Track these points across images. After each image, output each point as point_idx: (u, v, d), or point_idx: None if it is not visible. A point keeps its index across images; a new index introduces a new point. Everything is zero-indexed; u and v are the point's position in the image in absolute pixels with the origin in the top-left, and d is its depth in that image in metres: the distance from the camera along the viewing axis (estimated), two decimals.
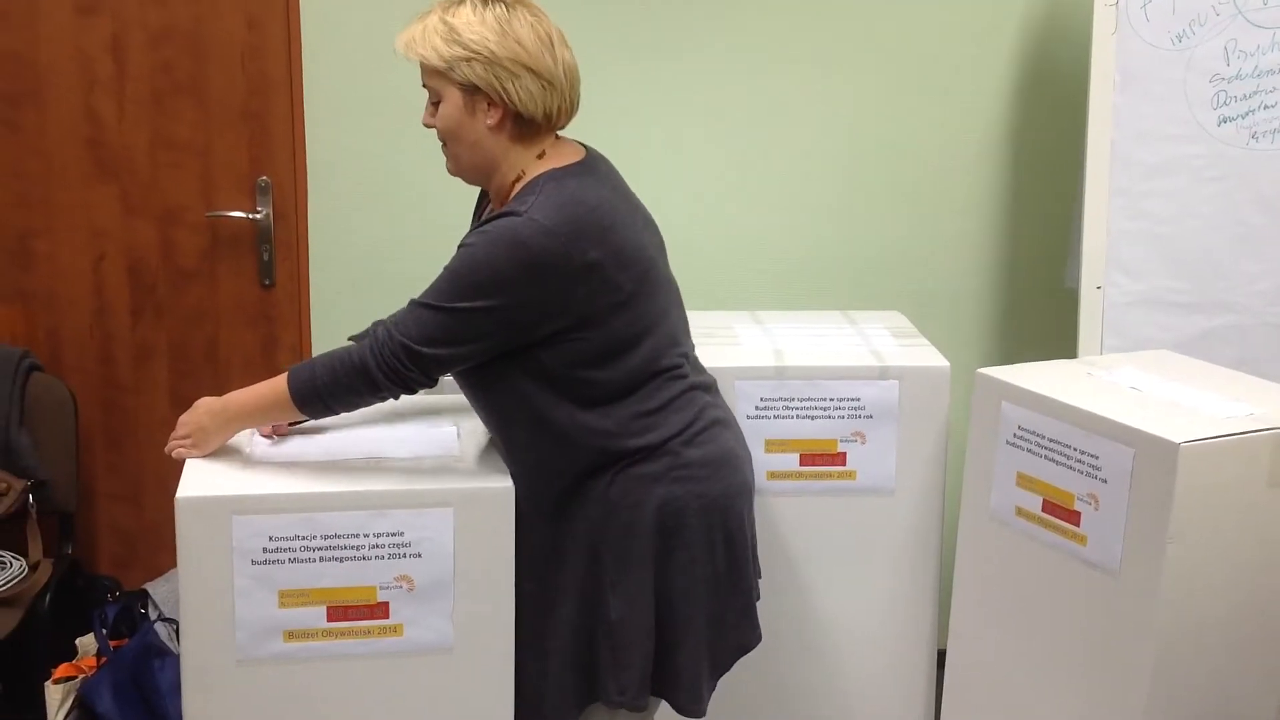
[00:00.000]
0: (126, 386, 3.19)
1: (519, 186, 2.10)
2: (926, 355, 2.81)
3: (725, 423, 2.24)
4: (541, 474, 2.14)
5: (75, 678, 2.87)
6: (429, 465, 2.14)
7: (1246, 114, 3.11)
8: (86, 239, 3.10)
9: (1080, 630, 2.48)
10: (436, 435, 2.25)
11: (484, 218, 2.12)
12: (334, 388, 2.07)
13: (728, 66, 3.21)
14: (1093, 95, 3.02)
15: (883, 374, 2.74)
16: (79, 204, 3.08)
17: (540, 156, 2.11)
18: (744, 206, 3.25)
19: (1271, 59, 3.09)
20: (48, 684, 2.85)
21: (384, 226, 3.15)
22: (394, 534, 2.04)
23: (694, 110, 3.22)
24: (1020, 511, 2.58)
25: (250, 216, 3.14)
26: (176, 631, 2.86)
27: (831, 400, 2.74)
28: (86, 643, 2.97)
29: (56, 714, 2.83)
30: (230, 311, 3.19)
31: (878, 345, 2.84)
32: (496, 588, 2.10)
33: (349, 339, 2.14)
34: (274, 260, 3.16)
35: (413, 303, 2.05)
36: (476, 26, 2.02)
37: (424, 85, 2.12)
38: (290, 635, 2.06)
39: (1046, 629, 2.55)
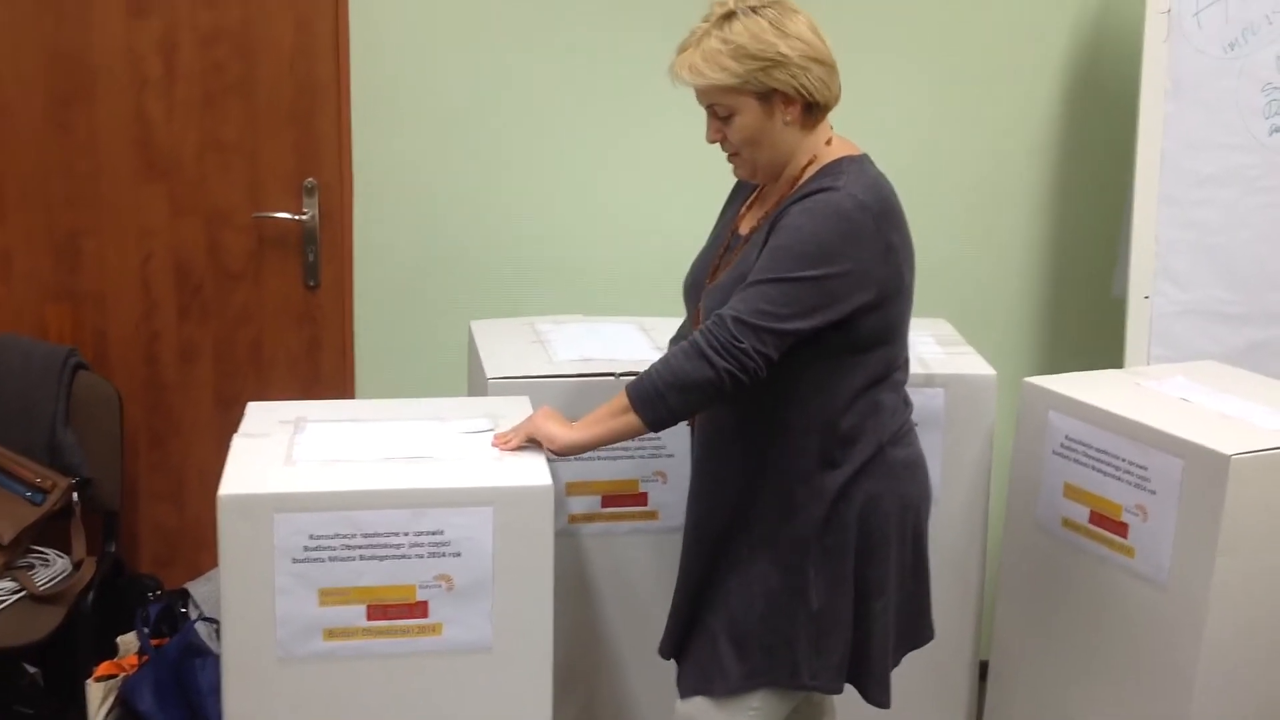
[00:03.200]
0: (171, 386, 3.21)
1: (812, 169, 2.17)
2: (972, 363, 2.79)
3: (915, 429, 2.33)
4: (768, 471, 2.20)
5: (116, 676, 2.88)
6: (470, 463, 2.13)
7: None
8: (134, 239, 3.12)
9: (1127, 644, 2.45)
10: (479, 435, 2.24)
11: (788, 199, 2.15)
12: (670, 379, 2.08)
13: None
14: (1143, 103, 2.99)
15: (928, 382, 2.71)
16: (128, 204, 3.10)
17: (829, 143, 2.20)
18: None
19: None
20: (89, 682, 2.86)
21: (429, 229, 3.16)
22: (433, 533, 2.03)
23: None
24: (1066, 522, 2.55)
25: (296, 218, 3.15)
26: (217, 631, 2.87)
27: None
28: (128, 641, 2.98)
29: (98, 712, 2.84)
30: (275, 312, 3.20)
31: (923, 353, 2.82)
32: (536, 587, 2.09)
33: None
34: (319, 262, 3.17)
35: (743, 288, 2.08)
36: (759, 35, 2.09)
37: (708, 106, 2.16)
38: (330, 634, 2.05)
39: (1092, 642, 2.52)
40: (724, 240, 2.31)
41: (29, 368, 3.02)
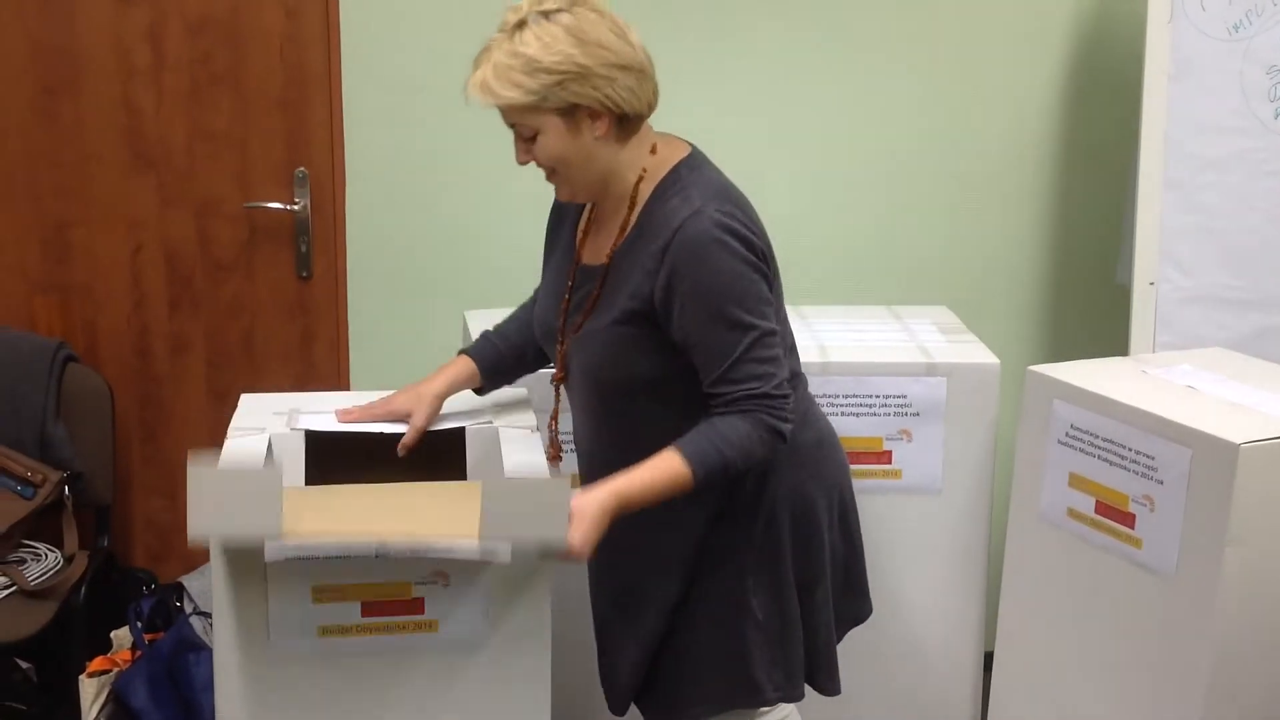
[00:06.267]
0: (163, 378, 3.18)
1: (645, 186, 2.04)
2: (975, 352, 2.75)
3: (816, 405, 2.27)
4: None
5: (110, 671, 2.86)
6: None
7: None
8: (124, 230, 3.09)
9: (1134, 635, 2.42)
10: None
11: (635, 227, 2.03)
12: (746, 462, 1.99)
13: (773, 59, 3.16)
14: (1147, 86, 2.95)
15: (930, 371, 2.68)
16: (116, 195, 3.07)
17: (653, 151, 2.05)
18: (788, 200, 3.20)
19: None
20: (82, 677, 2.84)
21: (422, 218, 3.12)
22: None
23: (738, 104, 3.17)
24: (1072, 513, 2.52)
25: (288, 208, 3.11)
26: (212, 626, 2.84)
27: (877, 397, 2.69)
28: (121, 636, 2.95)
29: (90, 708, 2.82)
30: (267, 303, 3.16)
31: (925, 341, 2.79)
32: (532, 583, 2.05)
33: None
34: (311, 252, 3.13)
35: (732, 364, 1.96)
36: (552, 45, 1.90)
37: (510, 125, 2.00)
38: (324, 630, 2.02)
39: (1098, 633, 2.49)
40: (568, 272, 2.15)
41: (18, 361, 2.99)
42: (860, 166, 3.24)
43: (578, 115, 1.94)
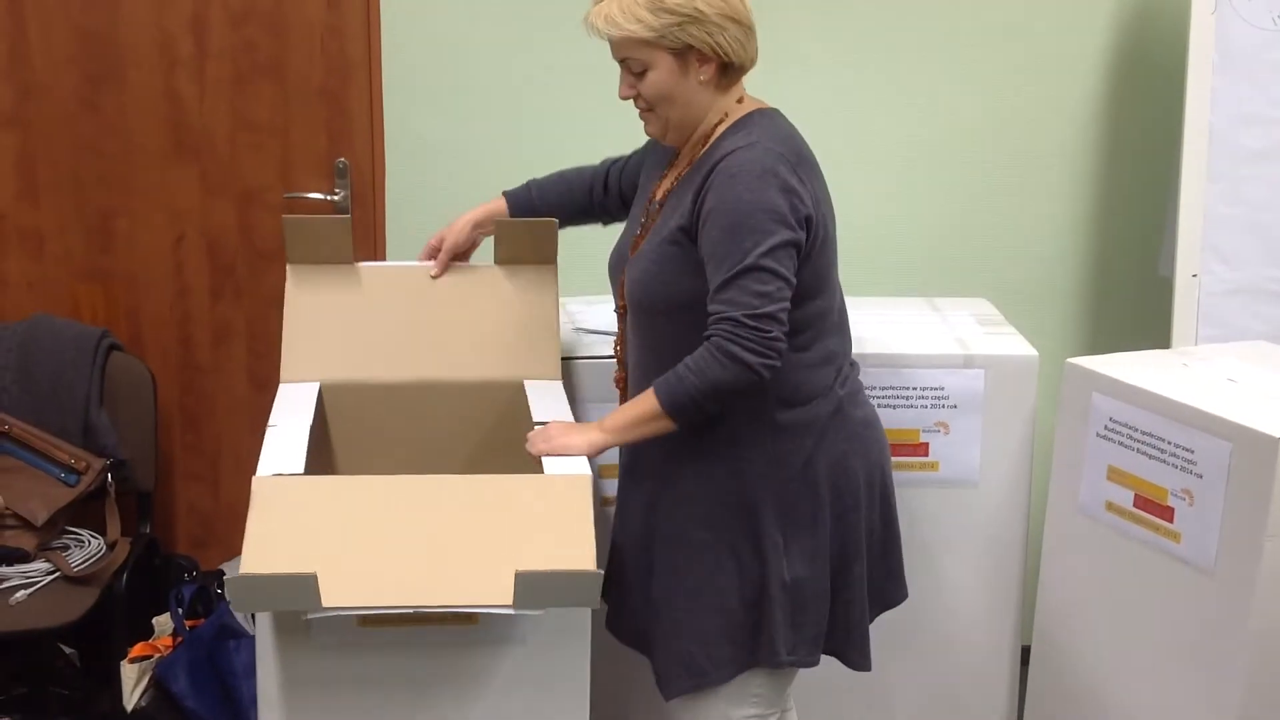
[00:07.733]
0: (205, 367, 3.20)
1: (722, 127, 2.16)
2: (1014, 344, 2.74)
3: (864, 391, 2.32)
4: (720, 443, 2.15)
5: (151, 657, 2.89)
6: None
7: None
8: (166, 219, 3.11)
9: (1172, 630, 2.41)
10: None
11: (701, 157, 2.15)
12: (708, 389, 2.04)
13: (812, 48, 3.15)
14: (1190, 77, 2.93)
15: (968, 363, 2.67)
16: (159, 184, 3.09)
17: (740, 101, 2.20)
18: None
19: None
20: (123, 663, 2.87)
21: (461, 209, 3.10)
22: None
23: (778, 93, 3.15)
24: (1110, 506, 2.51)
25: (328, 198, 3.13)
26: (252, 613, 2.86)
27: (914, 389, 2.68)
28: (163, 622, 2.99)
29: (132, 693, 2.85)
30: None
31: (963, 333, 2.78)
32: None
33: None
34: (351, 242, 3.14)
35: (723, 282, 2.03)
36: None
37: (621, 60, 2.14)
38: (364, 620, 2.03)
39: (1136, 628, 2.48)
40: (643, 210, 2.29)
41: (62, 348, 3.02)
42: (900, 157, 3.23)
43: (689, 57, 2.10)
